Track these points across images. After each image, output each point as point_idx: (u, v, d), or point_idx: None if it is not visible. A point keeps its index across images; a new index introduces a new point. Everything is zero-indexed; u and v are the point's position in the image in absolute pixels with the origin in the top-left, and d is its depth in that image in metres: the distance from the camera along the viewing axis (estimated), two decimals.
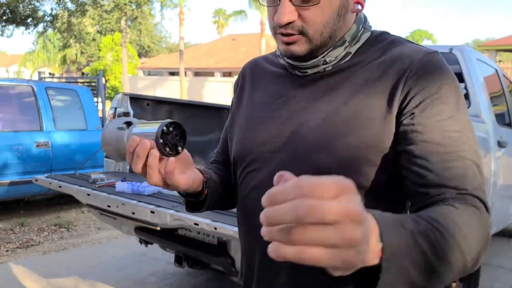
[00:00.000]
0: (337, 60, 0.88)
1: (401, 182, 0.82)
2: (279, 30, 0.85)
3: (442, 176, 0.76)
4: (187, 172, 0.89)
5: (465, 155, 0.77)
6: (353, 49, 0.88)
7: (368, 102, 0.83)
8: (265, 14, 24.32)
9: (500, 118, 3.80)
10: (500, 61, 18.16)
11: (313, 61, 0.87)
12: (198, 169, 0.94)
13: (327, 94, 0.87)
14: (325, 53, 0.87)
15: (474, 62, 3.62)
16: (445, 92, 0.80)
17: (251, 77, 1.03)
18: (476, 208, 0.72)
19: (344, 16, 0.86)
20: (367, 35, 0.90)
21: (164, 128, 0.80)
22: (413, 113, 0.79)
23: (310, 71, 0.90)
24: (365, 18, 0.92)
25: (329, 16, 0.83)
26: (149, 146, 0.80)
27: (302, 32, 0.83)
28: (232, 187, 1.04)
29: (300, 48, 0.85)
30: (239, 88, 1.05)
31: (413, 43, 0.88)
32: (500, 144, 3.53)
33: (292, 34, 0.83)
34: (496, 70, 4.16)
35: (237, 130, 0.99)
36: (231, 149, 1.01)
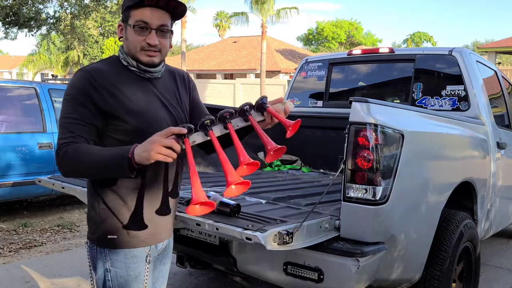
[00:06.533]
0: (162, 71, 1.70)
1: None
2: (147, 48, 1.59)
3: None
4: None
5: None
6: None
7: (181, 93, 1.78)
8: (266, 17, 24.32)
9: (499, 120, 3.82)
10: (499, 63, 18.11)
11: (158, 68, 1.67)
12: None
13: (167, 86, 1.73)
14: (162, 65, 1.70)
15: (473, 64, 3.65)
16: None
17: (107, 83, 1.55)
18: None
19: None
20: None
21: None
22: None
23: (156, 74, 1.67)
24: None
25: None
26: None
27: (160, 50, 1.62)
28: None
29: (157, 59, 1.63)
30: (91, 93, 1.52)
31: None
32: (499, 146, 3.55)
33: (155, 51, 1.61)
34: (496, 72, 4.18)
35: (135, 113, 1.57)
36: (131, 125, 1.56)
